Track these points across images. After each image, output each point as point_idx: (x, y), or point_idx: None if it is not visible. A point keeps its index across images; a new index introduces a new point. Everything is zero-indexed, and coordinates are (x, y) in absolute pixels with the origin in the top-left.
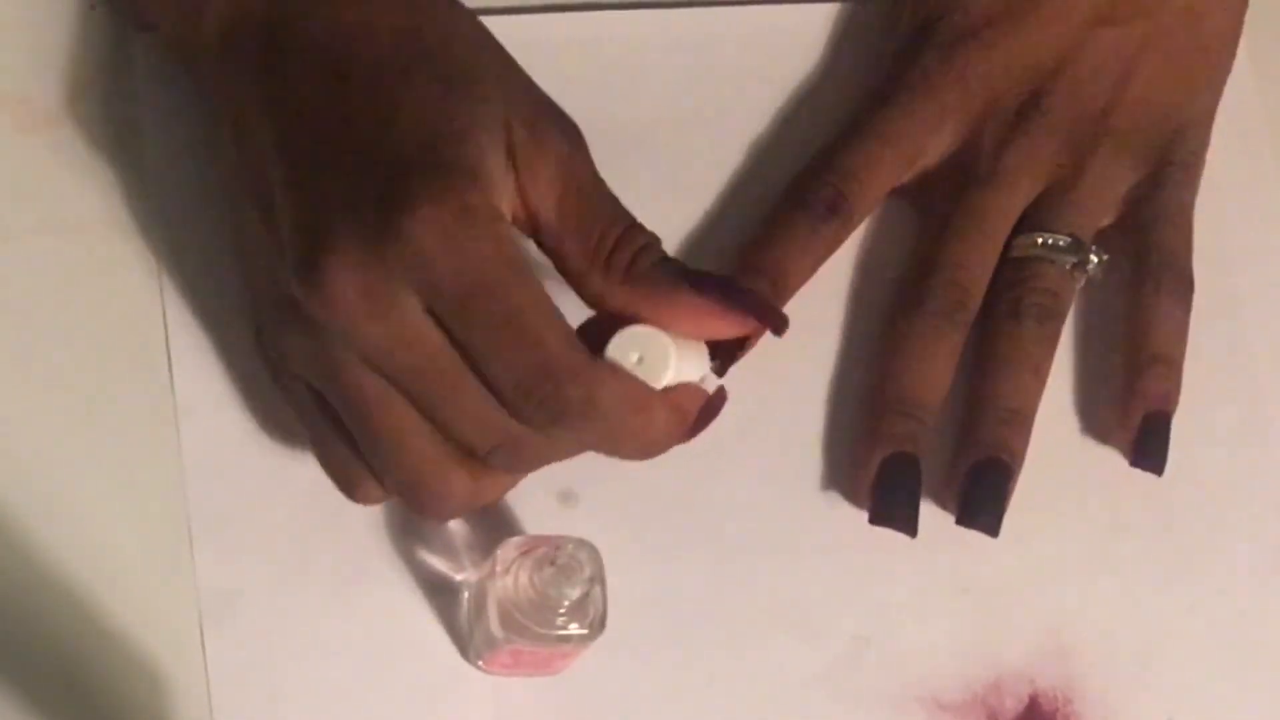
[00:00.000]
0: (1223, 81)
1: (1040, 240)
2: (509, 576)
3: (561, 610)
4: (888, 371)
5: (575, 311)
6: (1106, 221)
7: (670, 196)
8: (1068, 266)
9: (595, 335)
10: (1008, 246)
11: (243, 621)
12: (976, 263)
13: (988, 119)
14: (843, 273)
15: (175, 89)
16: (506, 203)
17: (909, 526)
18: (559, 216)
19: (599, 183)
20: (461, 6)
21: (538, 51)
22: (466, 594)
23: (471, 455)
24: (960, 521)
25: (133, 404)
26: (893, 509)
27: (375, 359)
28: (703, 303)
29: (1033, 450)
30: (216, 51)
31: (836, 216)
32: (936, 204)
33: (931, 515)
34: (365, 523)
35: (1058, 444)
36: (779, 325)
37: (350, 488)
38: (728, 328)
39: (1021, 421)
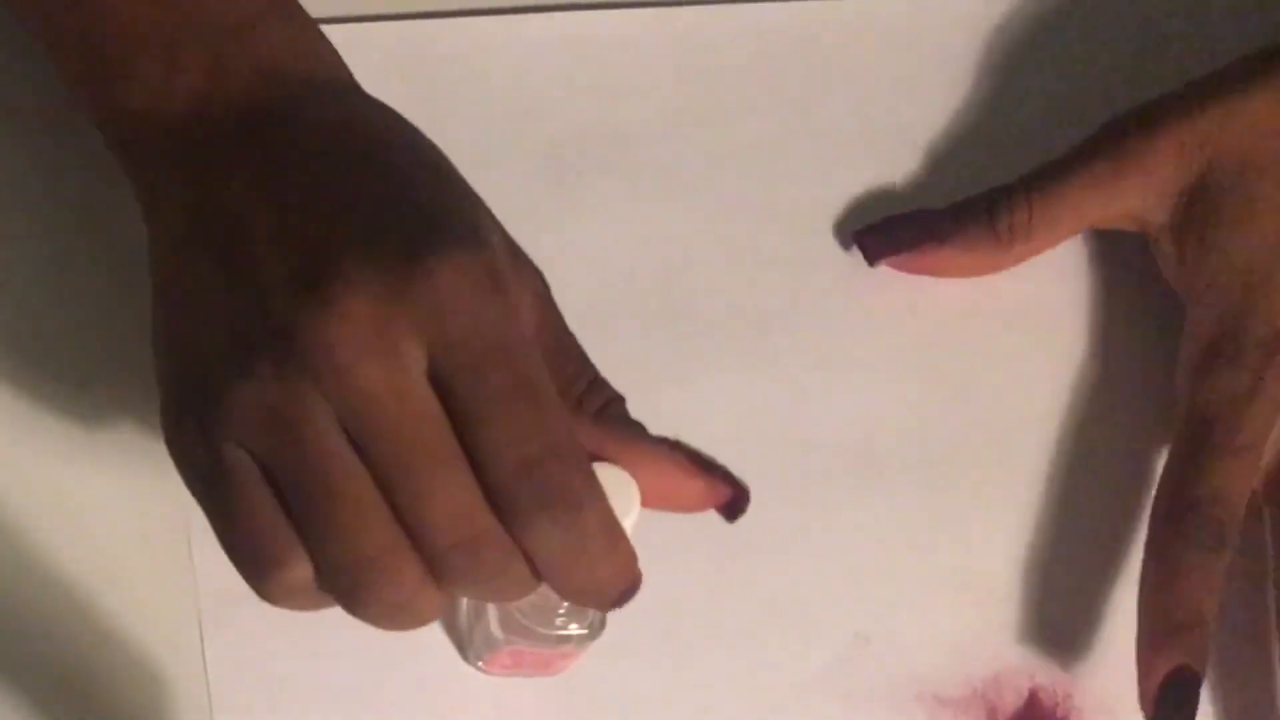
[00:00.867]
0: None
1: None
2: None
3: (561, 611)
4: (1165, 589)
5: None
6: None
7: (670, 196)
8: None
9: None
10: None
11: (243, 621)
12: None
13: None
14: (840, 265)
15: None
16: None
17: None
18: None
19: (567, 329)
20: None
21: (538, 51)
22: None
23: (436, 554)
24: None
25: (133, 404)
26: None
27: (357, 411)
28: (681, 457)
29: (1033, 450)
30: (182, 123)
31: (1224, 544)
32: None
33: (931, 514)
34: None
35: (1058, 443)
36: (741, 503)
37: (270, 565)
38: (698, 489)
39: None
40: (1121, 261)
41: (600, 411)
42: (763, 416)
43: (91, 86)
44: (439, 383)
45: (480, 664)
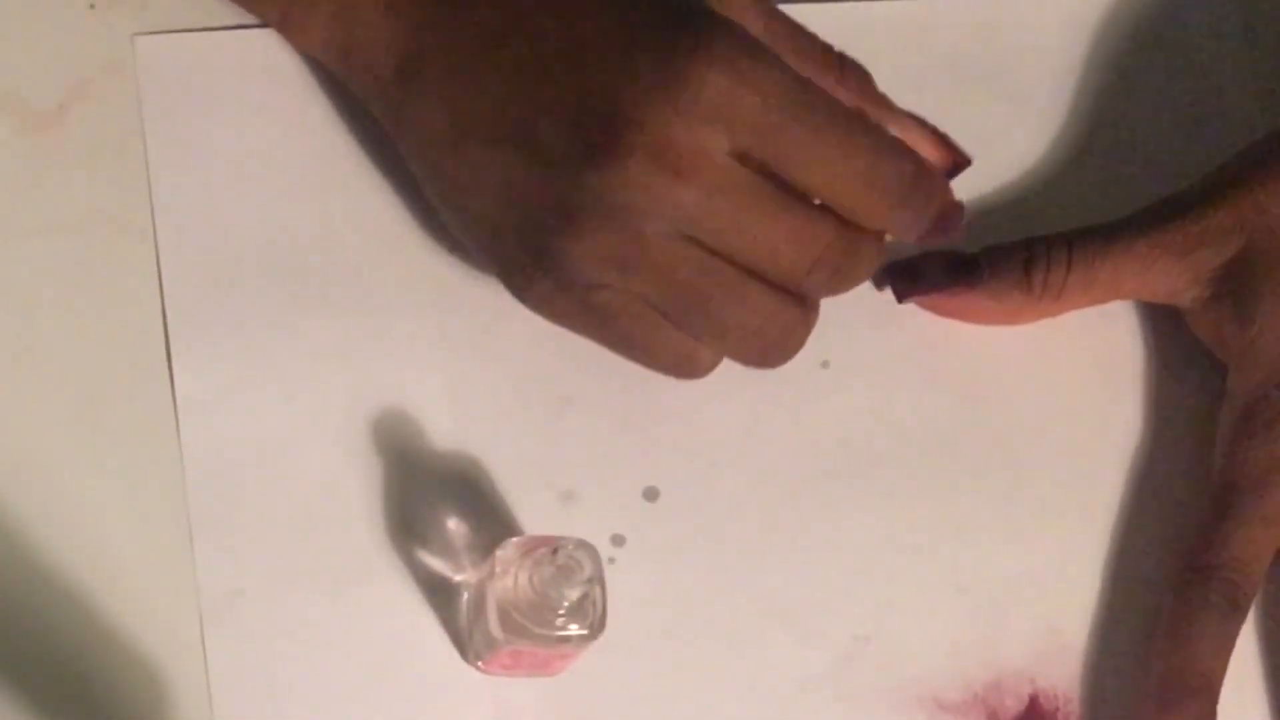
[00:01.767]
0: None
1: None
2: (508, 577)
3: (561, 611)
4: (1177, 651)
5: None
6: None
7: None
8: None
9: None
10: None
11: (243, 621)
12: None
13: None
14: None
15: (175, 89)
16: None
17: None
18: (771, 40)
19: (788, 18)
20: None
21: None
22: (466, 595)
23: (796, 288)
24: None
25: (133, 404)
26: None
27: (689, 222)
28: (925, 128)
29: (1034, 449)
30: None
31: (1239, 610)
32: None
33: (931, 514)
34: (365, 523)
35: (1059, 443)
36: (964, 164)
37: (690, 366)
38: (936, 150)
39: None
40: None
41: (862, 86)
42: (764, 417)
43: (329, 30)
44: (758, 160)
45: (480, 664)
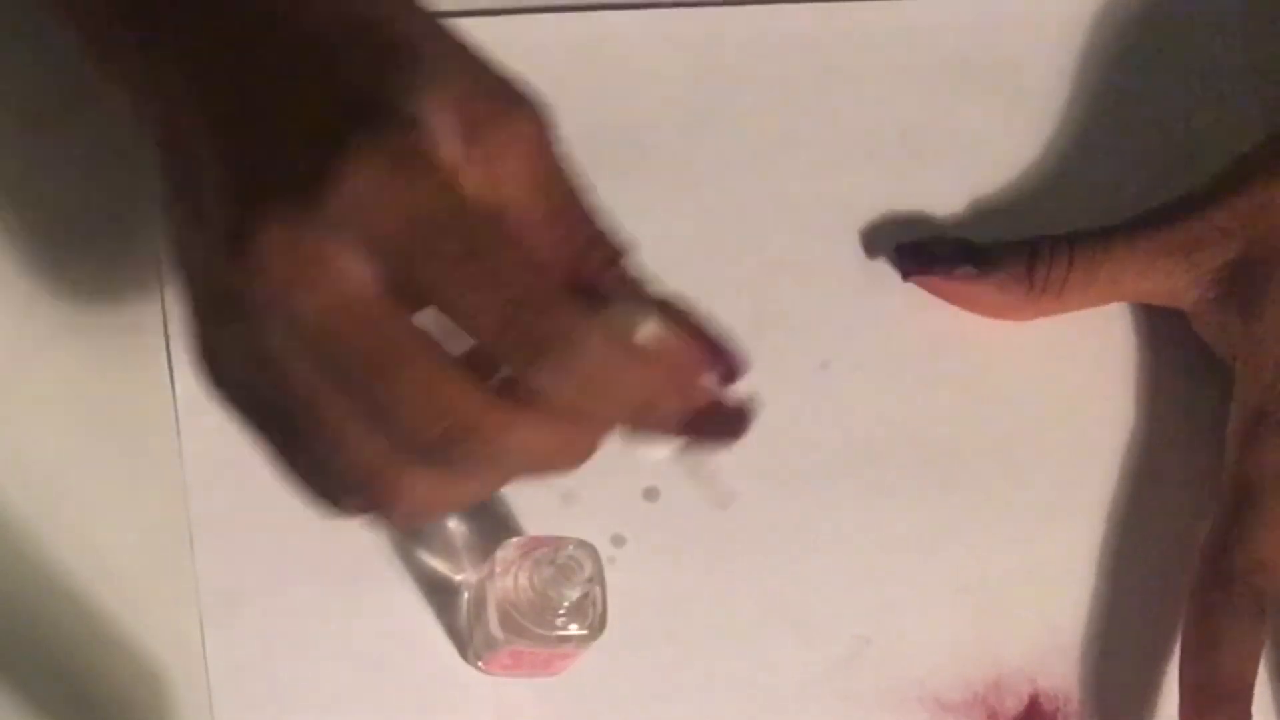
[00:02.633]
0: None
1: None
2: (508, 577)
3: (561, 611)
4: (1207, 658)
5: None
6: None
7: (670, 197)
8: None
9: None
10: None
11: (243, 621)
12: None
13: None
14: (843, 266)
15: None
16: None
17: None
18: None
19: (569, 175)
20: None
21: (538, 51)
22: (466, 595)
23: (425, 454)
24: None
25: (133, 404)
26: None
27: (314, 339)
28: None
29: (1034, 449)
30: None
31: (1264, 614)
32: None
33: (932, 514)
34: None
35: (1059, 443)
36: (737, 371)
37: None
38: (702, 358)
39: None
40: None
41: (600, 269)
42: (764, 416)
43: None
44: (396, 280)
45: (480, 664)
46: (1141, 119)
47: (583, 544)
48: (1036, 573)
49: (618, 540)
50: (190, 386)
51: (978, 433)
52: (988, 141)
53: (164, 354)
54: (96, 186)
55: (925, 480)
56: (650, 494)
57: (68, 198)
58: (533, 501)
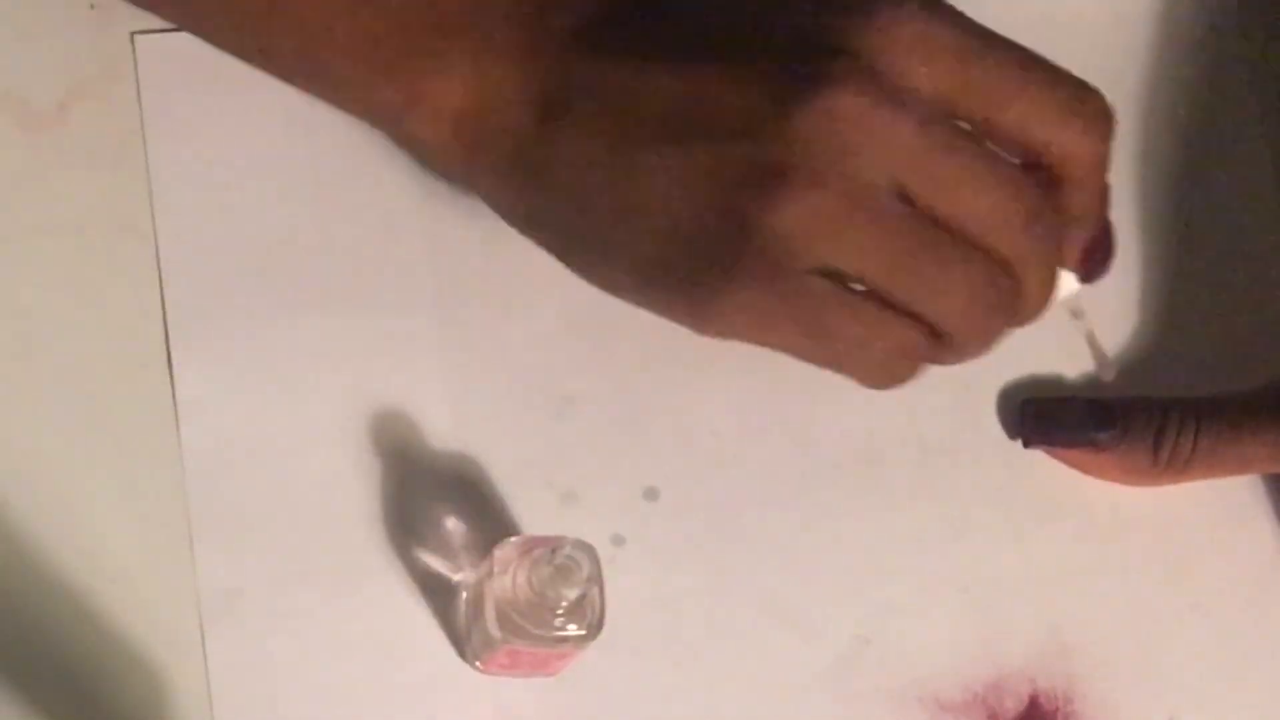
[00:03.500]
0: None
1: None
2: (507, 577)
3: (559, 611)
4: None
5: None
6: None
7: None
8: None
9: None
10: None
11: (243, 621)
12: None
13: None
14: None
15: (175, 89)
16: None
17: None
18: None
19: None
20: None
21: None
22: (464, 594)
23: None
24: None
25: (133, 404)
26: None
27: (907, 166)
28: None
29: (1035, 451)
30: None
31: None
32: None
33: (931, 514)
34: (364, 522)
35: None
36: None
37: (898, 364)
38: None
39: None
40: None
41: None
42: (764, 417)
43: (396, 88)
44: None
45: (478, 664)
46: (1141, 119)
47: (581, 544)
48: (1036, 573)
49: (617, 540)
50: (190, 386)
51: (978, 433)
52: None
53: (164, 354)
54: (96, 186)
55: (925, 480)
56: (650, 494)
57: (68, 198)
58: (532, 501)
